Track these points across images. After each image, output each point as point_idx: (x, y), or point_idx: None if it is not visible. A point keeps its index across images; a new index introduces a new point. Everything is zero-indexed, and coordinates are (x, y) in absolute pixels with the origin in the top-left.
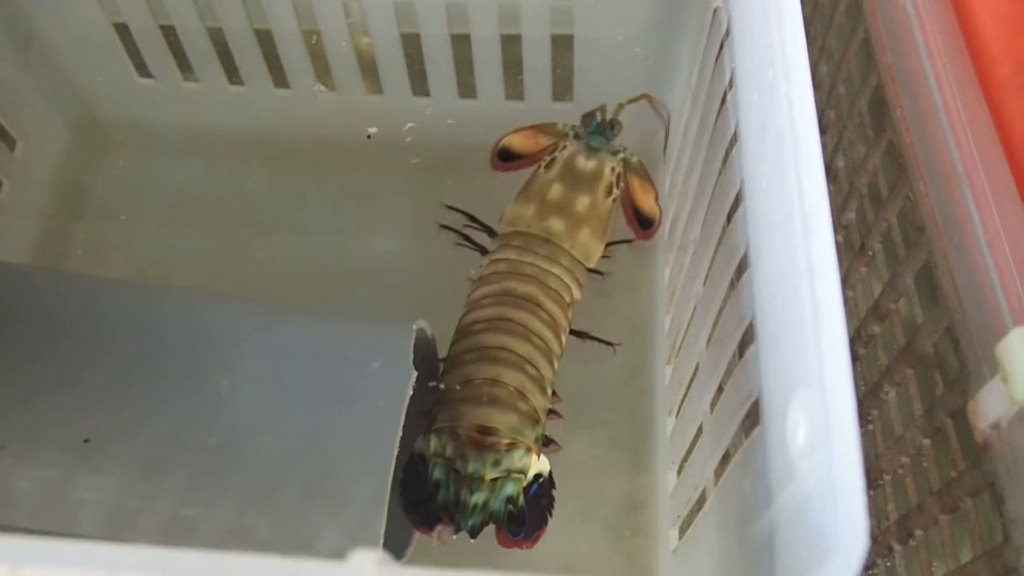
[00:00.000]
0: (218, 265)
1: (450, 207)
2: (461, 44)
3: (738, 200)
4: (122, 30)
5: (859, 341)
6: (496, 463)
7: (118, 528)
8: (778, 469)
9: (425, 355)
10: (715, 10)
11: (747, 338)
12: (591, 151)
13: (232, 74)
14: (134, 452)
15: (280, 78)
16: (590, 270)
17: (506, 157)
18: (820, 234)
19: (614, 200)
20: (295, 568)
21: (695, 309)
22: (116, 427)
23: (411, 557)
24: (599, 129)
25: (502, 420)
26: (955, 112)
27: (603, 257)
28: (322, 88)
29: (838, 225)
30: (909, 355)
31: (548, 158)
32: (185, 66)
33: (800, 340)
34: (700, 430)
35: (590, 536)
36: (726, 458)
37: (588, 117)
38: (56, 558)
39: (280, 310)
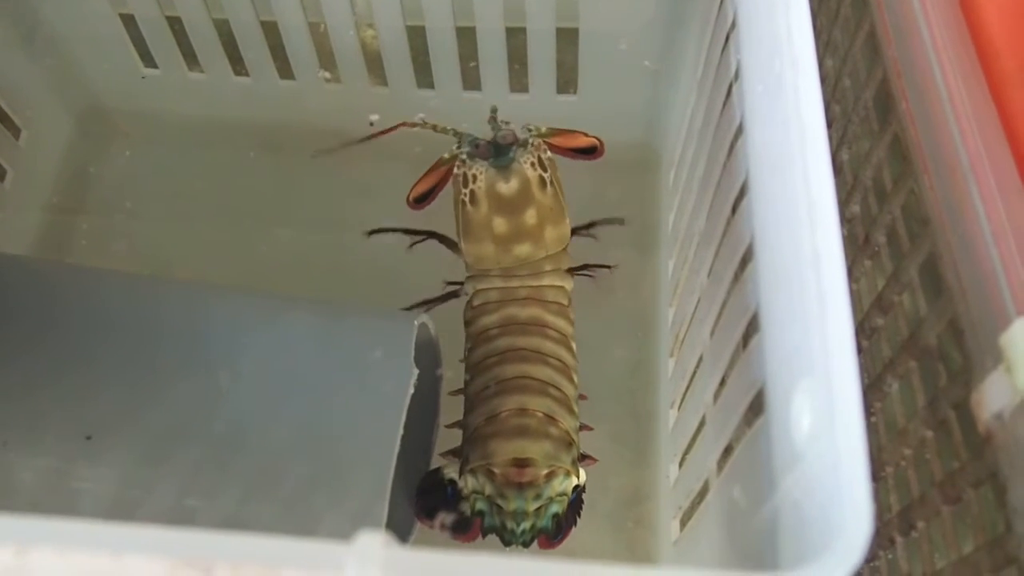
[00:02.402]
0: (221, 256)
1: (374, 232)
2: (466, 36)
3: (743, 191)
4: (128, 20)
5: (863, 334)
6: (537, 496)
7: (118, 519)
8: (782, 457)
9: (427, 349)
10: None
11: (751, 329)
12: (502, 169)
13: (237, 65)
14: (135, 443)
15: (285, 69)
16: (596, 266)
17: (421, 198)
18: (826, 222)
19: (552, 182)
20: (301, 548)
21: (699, 301)
22: (117, 418)
23: (412, 544)
24: (496, 151)
25: (536, 450)
26: (960, 105)
27: (589, 236)
28: (327, 75)
29: (843, 218)
30: (912, 347)
31: (466, 191)
32: (191, 56)
33: (805, 329)
34: (703, 422)
35: (592, 528)
36: (728, 450)
37: (476, 146)
38: (63, 538)
39: (282, 302)
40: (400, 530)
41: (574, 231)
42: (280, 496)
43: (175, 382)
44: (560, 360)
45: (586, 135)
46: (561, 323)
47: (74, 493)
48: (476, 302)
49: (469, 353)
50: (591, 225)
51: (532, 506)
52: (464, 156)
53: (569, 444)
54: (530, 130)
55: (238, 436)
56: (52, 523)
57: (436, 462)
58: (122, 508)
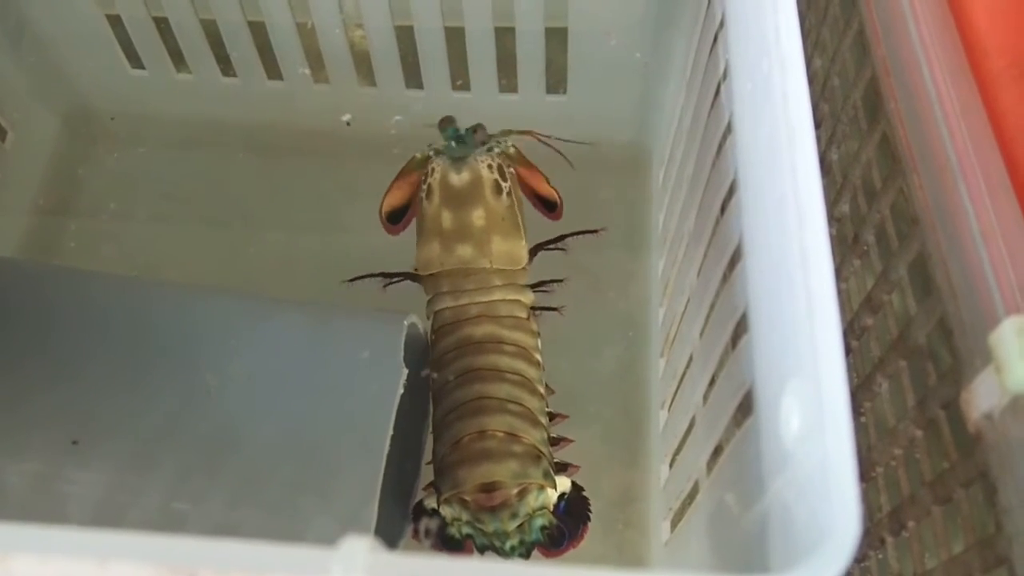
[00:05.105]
0: (209, 258)
1: (352, 279)
2: (455, 37)
3: (732, 191)
4: (115, 21)
5: (852, 334)
6: (513, 516)
7: (106, 523)
8: (771, 457)
9: (417, 350)
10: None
11: (740, 329)
12: (457, 161)
13: (225, 65)
14: (124, 447)
15: (273, 70)
16: (547, 246)
17: (395, 218)
18: (813, 221)
19: (509, 194)
20: (286, 553)
21: (689, 301)
22: (106, 423)
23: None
24: (457, 136)
25: (501, 471)
26: (949, 104)
27: (557, 250)
28: (307, 71)
29: (831, 218)
30: (902, 347)
31: (424, 187)
32: (178, 57)
33: (793, 328)
34: (693, 422)
35: None
36: (718, 450)
37: (444, 123)
38: (46, 546)
39: (271, 305)
40: (390, 534)
41: (544, 246)
42: (269, 499)
43: (164, 385)
44: (519, 374)
45: (549, 182)
46: (519, 336)
47: (62, 497)
48: (435, 325)
49: (432, 381)
50: (561, 238)
51: (511, 525)
52: (431, 153)
53: (537, 457)
54: (498, 141)
55: (227, 439)
56: (35, 530)
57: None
58: (110, 512)
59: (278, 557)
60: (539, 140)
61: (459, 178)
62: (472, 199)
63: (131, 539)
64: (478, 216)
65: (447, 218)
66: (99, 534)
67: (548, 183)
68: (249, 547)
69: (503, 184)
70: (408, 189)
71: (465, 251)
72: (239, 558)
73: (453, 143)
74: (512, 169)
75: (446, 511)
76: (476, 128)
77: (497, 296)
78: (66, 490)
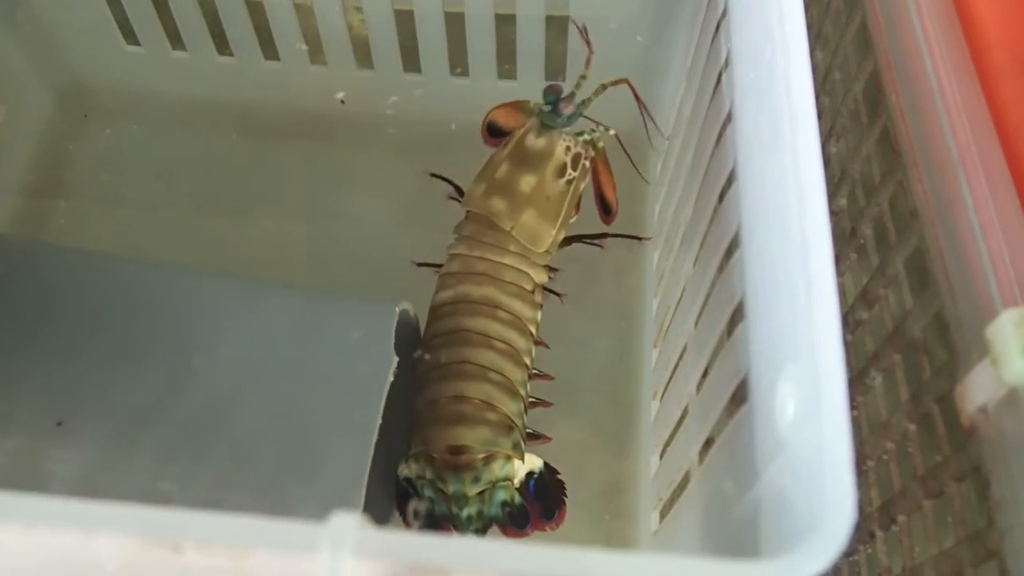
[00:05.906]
0: (200, 240)
1: (434, 175)
2: (454, 21)
3: (731, 179)
4: None
5: (847, 327)
6: (476, 479)
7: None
8: (765, 444)
9: (409, 336)
10: None
11: (736, 317)
12: (543, 129)
13: (221, 44)
14: (109, 427)
15: (270, 50)
16: (585, 239)
17: (495, 132)
18: (815, 207)
19: (569, 182)
20: (274, 529)
21: (684, 290)
22: (91, 403)
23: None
24: (554, 107)
25: (472, 436)
26: (951, 98)
27: (594, 245)
28: (303, 47)
29: (829, 211)
30: (897, 340)
31: (511, 136)
32: (174, 35)
33: (792, 314)
34: (685, 412)
35: (569, 519)
36: (709, 441)
37: (549, 90)
38: (30, 516)
39: (261, 288)
40: (376, 517)
41: (582, 238)
42: (255, 482)
43: (151, 366)
44: (507, 343)
45: (615, 191)
46: (517, 305)
47: (44, 476)
48: (442, 270)
49: (425, 330)
50: (602, 236)
51: (472, 490)
52: (537, 110)
53: (509, 428)
54: (594, 129)
55: (214, 421)
56: (19, 500)
57: None
58: (92, 491)
59: (265, 532)
60: (634, 94)
61: (534, 142)
62: (532, 166)
63: (116, 510)
64: (527, 183)
65: (503, 169)
66: (84, 505)
67: (614, 191)
68: (236, 521)
69: (569, 171)
70: (512, 119)
71: (498, 205)
72: (225, 532)
73: (548, 110)
74: (587, 162)
75: (412, 467)
76: (568, 96)
77: (507, 260)
78: (48, 469)
